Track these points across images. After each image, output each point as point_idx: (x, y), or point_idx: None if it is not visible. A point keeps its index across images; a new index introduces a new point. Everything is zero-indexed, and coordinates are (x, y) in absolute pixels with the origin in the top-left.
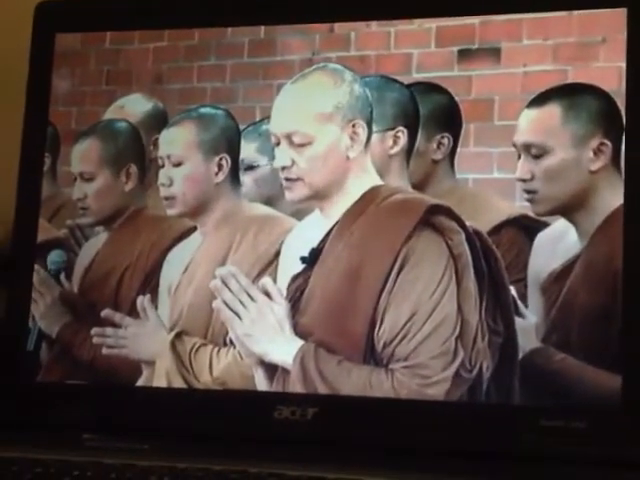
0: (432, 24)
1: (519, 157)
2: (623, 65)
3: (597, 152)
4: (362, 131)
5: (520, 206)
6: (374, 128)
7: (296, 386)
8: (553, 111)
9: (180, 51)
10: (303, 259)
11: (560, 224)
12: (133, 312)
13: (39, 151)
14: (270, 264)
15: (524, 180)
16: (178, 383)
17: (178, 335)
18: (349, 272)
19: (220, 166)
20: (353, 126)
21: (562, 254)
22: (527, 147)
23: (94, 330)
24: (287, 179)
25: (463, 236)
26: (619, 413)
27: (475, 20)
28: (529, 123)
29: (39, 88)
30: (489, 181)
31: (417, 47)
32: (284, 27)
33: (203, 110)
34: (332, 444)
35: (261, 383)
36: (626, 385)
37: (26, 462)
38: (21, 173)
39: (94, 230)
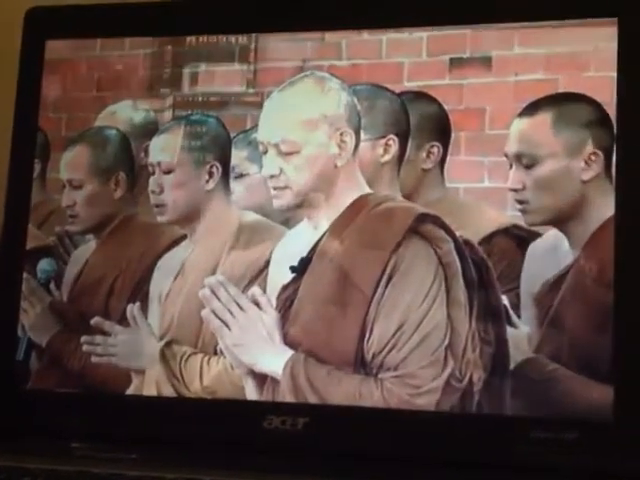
0: (424, 33)
1: (510, 167)
2: (614, 75)
3: (589, 162)
4: (349, 139)
5: (511, 216)
6: (365, 136)
7: (286, 396)
8: (544, 120)
9: (171, 58)
10: (292, 269)
11: (552, 234)
12: (123, 321)
13: (29, 157)
14: (260, 273)
15: (515, 190)
16: (168, 392)
17: (168, 344)
18: (338, 282)
19: (211, 174)
20: (341, 134)
21: (555, 264)
22: (518, 157)
23: (84, 338)
24: (275, 187)
25: (452, 245)
26: (610, 425)
27: (467, 29)
28: (520, 132)
29: (29, 94)
30: (480, 190)
31: (408, 56)
32: (275, 35)
33: (194, 117)
34: (323, 454)
35: (251, 393)
36: (618, 396)
37: (14, 471)
38: (10, 179)
39: (84, 238)
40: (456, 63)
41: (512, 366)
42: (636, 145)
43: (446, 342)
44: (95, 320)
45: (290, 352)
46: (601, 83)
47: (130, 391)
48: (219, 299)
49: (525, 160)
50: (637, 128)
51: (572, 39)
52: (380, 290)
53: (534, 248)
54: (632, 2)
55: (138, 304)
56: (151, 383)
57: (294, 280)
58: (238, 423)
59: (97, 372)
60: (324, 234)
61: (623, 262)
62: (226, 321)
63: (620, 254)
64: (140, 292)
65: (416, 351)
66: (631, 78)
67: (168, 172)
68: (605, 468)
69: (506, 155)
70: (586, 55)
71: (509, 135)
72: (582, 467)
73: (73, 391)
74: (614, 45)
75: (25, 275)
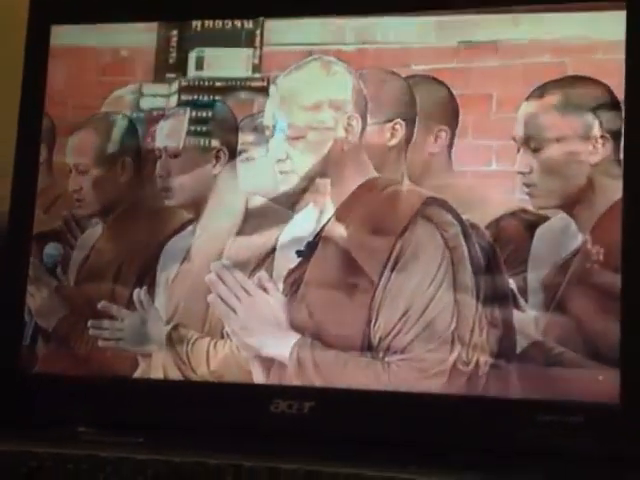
0: (431, 17)
1: (518, 150)
2: (622, 57)
3: (596, 145)
4: (356, 123)
5: (519, 199)
6: (372, 120)
7: (292, 379)
8: (552, 104)
9: (177, 42)
10: (299, 253)
11: (560, 217)
12: (130, 305)
13: (35, 142)
14: (266, 258)
15: (523, 173)
16: (175, 376)
17: (175, 327)
18: (344, 266)
19: (217, 158)
20: (347, 118)
21: (563, 248)
22: (526, 140)
23: (91, 322)
24: (281, 172)
25: (459, 229)
26: (617, 409)
27: (474, 13)
28: (528, 116)
29: (35, 79)
30: (488, 174)
31: (416, 40)
32: (281, 20)
33: (200, 102)
34: (329, 438)
35: (258, 376)
36: (624, 380)
37: (21, 455)
38: (17, 164)
39: (91, 222)
40: (464, 46)
41: (518, 350)
42: None
43: (453, 326)
44: (102, 304)
45: (297, 336)
46: (609, 66)
47: (137, 375)
48: (225, 284)
49: (533, 143)
50: None
51: (580, 22)
52: (386, 274)
53: (542, 231)
54: None
55: (145, 288)
56: (158, 367)
57: (300, 264)
58: (245, 407)
59: (104, 356)
60: (330, 218)
61: (630, 246)
62: (232, 306)
63: (628, 237)
64: (147, 276)
65: (423, 335)
66: None
67: (175, 156)
68: (611, 452)
69: (514, 139)
70: (594, 38)
71: (517, 118)
72: (587, 451)
73: (80, 375)
74: (623, 28)
75: (32, 259)
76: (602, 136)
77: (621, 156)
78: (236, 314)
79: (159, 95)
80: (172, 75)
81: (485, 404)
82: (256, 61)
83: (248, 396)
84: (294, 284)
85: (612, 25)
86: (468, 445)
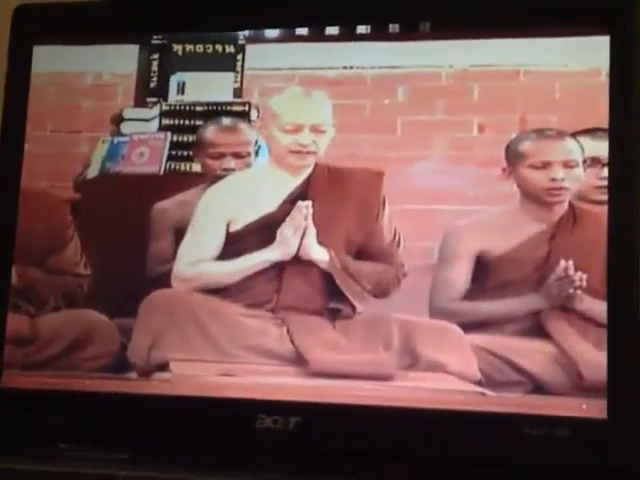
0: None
1: None
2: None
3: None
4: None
5: None
6: None
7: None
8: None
9: (159, 66)
10: (280, 276)
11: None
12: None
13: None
14: (248, 281)
15: None
16: (158, 391)
17: (157, 350)
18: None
19: (198, 182)
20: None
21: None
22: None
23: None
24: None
25: None
26: (603, 421)
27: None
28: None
29: (16, 101)
30: None
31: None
32: (262, 44)
33: (181, 126)
34: (315, 454)
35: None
36: (611, 394)
37: (3, 473)
38: None
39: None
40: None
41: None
42: None
43: None
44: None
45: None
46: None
47: (120, 391)
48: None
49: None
50: None
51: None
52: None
53: None
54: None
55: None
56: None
57: (281, 287)
58: (229, 422)
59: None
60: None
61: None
62: (213, 331)
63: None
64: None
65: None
66: None
67: (155, 181)
68: (598, 465)
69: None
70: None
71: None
72: (576, 464)
73: (62, 391)
74: (606, 54)
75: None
76: (584, 162)
77: (603, 183)
78: (217, 339)
79: (140, 119)
80: (153, 99)
81: (473, 418)
82: (237, 85)
83: (233, 411)
84: (276, 308)
85: (594, 51)
86: (457, 459)
